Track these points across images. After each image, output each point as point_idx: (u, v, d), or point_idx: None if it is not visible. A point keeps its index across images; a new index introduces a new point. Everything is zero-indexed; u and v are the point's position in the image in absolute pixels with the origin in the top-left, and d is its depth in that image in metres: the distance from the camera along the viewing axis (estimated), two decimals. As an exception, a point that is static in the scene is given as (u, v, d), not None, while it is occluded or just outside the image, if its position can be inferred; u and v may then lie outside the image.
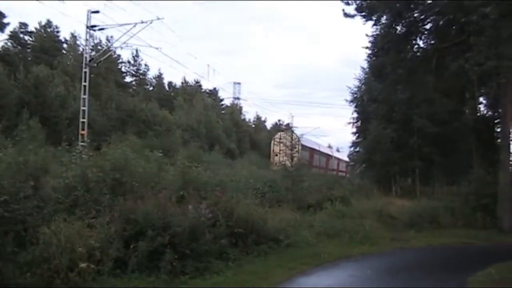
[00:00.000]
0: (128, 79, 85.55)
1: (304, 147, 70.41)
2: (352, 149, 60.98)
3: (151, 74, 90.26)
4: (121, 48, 47.58)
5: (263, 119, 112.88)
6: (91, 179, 14.58)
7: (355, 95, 53.62)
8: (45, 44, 68.16)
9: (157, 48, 43.61)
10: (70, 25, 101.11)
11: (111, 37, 58.65)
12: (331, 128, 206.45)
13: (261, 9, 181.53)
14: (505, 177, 27.20)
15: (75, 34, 70.76)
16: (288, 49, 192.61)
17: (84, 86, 38.33)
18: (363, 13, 29.56)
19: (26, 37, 70.58)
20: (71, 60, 65.13)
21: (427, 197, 36.06)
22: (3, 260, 10.33)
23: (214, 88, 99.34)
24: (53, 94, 50.16)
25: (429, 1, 29.00)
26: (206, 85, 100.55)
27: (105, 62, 56.04)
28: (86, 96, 38.25)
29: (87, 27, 40.86)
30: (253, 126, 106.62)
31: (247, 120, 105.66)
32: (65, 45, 73.67)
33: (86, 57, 40.40)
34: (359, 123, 54.34)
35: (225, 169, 28.68)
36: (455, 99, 38.33)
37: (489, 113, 38.83)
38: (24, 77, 50.06)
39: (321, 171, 74.26)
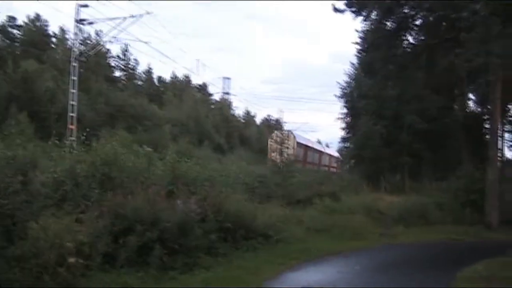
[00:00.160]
0: (117, 73, 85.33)
1: (299, 144, 71.20)
2: (341, 144, 61.05)
3: (141, 69, 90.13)
4: (111, 42, 47.58)
5: (252, 114, 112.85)
6: (80, 174, 14.57)
7: (345, 91, 53.76)
8: (34, 38, 67.87)
9: (146, 43, 43.67)
10: (59, 19, 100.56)
11: (101, 31, 58.39)
12: (320, 123, 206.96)
13: (251, 6, 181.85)
14: (493, 173, 27.37)
15: (64, 28, 70.51)
16: (278, 45, 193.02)
17: (73, 80, 38.24)
18: (353, 9, 29.54)
19: (15, 31, 70.30)
20: (60, 54, 64.82)
21: (416, 193, 36.15)
22: (-9, 255, 10.31)
23: (204, 83, 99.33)
24: (42, 89, 49.99)
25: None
26: (196, 80, 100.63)
27: (95, 57, 55.89)
28: (75, 91, 38.19)
29: (76, 21, 40.77)
30: (243, 121, 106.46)
31: (236, 115, 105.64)
32: (54, 39, 73.38)
33: (75, 51, 40.30)
34: (348, 119, 54.40)
35: (214, 164, 28.67)
36: (445, 96, 38.48)
37: (478, 109, 39.14)
38: (12, 72, 49.90)
39: (315, 167, 75.97)
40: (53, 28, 73.88)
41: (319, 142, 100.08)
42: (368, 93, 43.89)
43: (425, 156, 42.60)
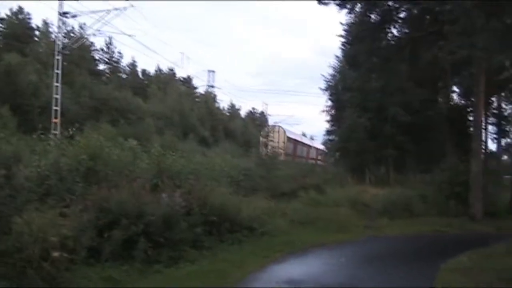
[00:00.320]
0: (101, 67, 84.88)
1: (289, 139, 71.94)
2: (326, 137, 61.02)
3: (125, 62, 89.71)
4: (95, 35, 47.40)
5: (237, 107, 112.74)
6: (64, 168, 14.51)
7: (330, 84, 53.75)
8: (16, 31, 67.23)
9: (130, 36, 43.54)
10: (42, 12, 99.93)
11: (84, 24, 58.01)
12: (305, 116, 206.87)
13: (238, 1, 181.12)
14: (477, 165, 27.58)
15: (48, 22, 70.02)
16: (263, 38, 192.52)
17: (57, 73, 38.05)
18: (338, 1, 29.53)
19: (-3, 24, 69.73)
20: (44, 47, 64.41)
21: (400, 186, 36.24)
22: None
23: (188, 76, 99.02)
24: (25, 82, 49.66)
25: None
26: (180, 73, 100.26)
27: (78, 50, 55.63)
28: (59, 84, 37.98)
29: (60, 13, 40.54)
30: (228, 114, 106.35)
31: (221, 108, 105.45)
32: (37, 33, 72.85)
33: (58, 44, 40.09)
34: (333, 112, 54.41)
35: (199, 157, 28.66)
36: (429, 88, 38.67)
37: (462, 102, 39.29)
38: (-5, 65, 49.50)
39: (303, 160, 77.45)
40: (36, 21, 73.32)
41: (304, 135, 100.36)
42: (352, 86, 43.90)
43: (409, 149, 42.61)
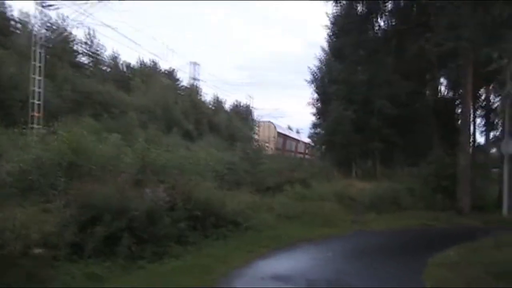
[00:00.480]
0: (83, 59, 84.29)
1: (279, 134, 72.44)
2: (312, 130, 60.97)
3: (107, 54, 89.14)
4: (77, 27, 47.16)
5: (222, 100, 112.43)
6: (46, 163, 14.49)
7: (316, 76, 53.74)
8: (-4, 24, 66.79)
9: (113, 28, 43.39)
10: (22, 4, 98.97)
11: (66, 16, 57.61)
12: (291, 109, 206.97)
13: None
14: (465, 159, 27.73)
15: (28, 13, 69.44)
16: (248, 31, 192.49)
17: (38, 66, 37.88)
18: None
19: (-24, 16, 69.08)
20: (24, 40, 63.96)
21: (387, 179, 36.41)
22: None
23: (172, 69, 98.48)
24: (6, 75, 49.30)
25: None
26: (164, 66, 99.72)
27: (60, 42, 55.30)
28: (40, 77, 37.81)
29: (41, 5, 40.34)
30: (212, 108, 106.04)
31: (206, 101, 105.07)
32: (17, 25, 72.27)
33: (39, 37, 39.88)
34: (319, 104, 54.40)
35: (183, 151, 28.63)
36: (416, 81, 38.59)
37: (450, 94, 39.34)
38: (-27, 58, 49.13)
39: (292, 154, 78.43)
40: (16, 13, 72.79)
41: (290, 128, 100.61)
42: (338, 78, 43.89)
43: (396, 142, 42.61)
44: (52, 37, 43.95)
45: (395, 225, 22.61)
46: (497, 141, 36.79)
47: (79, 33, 75.94)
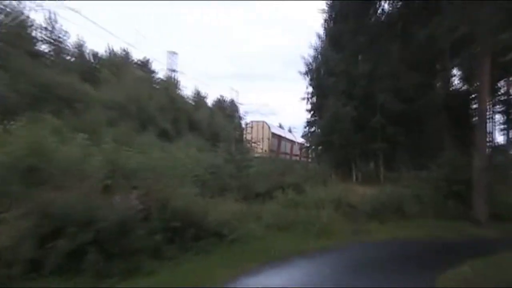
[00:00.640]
0: (43, 47, 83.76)
1: (273, 135, 72.64)
2: (307, 129, 60.84)
3: (71, 42, 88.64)
4: (35, 10, 46.91)
5: (203, 95, 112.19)
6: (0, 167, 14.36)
7: (310, 67, 53.55)
8: None
9: (77, 11, 43.20)
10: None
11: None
12: (281, 105, 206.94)
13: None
14: (481, 161, 27.47)
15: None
16: (234, 21, 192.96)
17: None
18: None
19: None
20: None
21: (392, 184, 36.38)
22: None
23: (147, 59, 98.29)
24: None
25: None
26: (137, 56, 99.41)
27: (16, 27, 55.01)
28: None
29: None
30: (193, 103, 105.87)
31: (185, 96, 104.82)
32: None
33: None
34: (314, 99, 54.27)
35: (159, 153, 28.55)
36: (424, 72, 38.44)
37: (464, 87, 39.16)
38: None
39: (287, 156, 78.42)
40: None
41: (281, 127, 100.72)
42: (336, 70, 43.82)
43: (401, 142, 42.59)
44: (6, 21, 43.64)
45: (401, 236, 22.58)
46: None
47: (38, 17, 75.52)
